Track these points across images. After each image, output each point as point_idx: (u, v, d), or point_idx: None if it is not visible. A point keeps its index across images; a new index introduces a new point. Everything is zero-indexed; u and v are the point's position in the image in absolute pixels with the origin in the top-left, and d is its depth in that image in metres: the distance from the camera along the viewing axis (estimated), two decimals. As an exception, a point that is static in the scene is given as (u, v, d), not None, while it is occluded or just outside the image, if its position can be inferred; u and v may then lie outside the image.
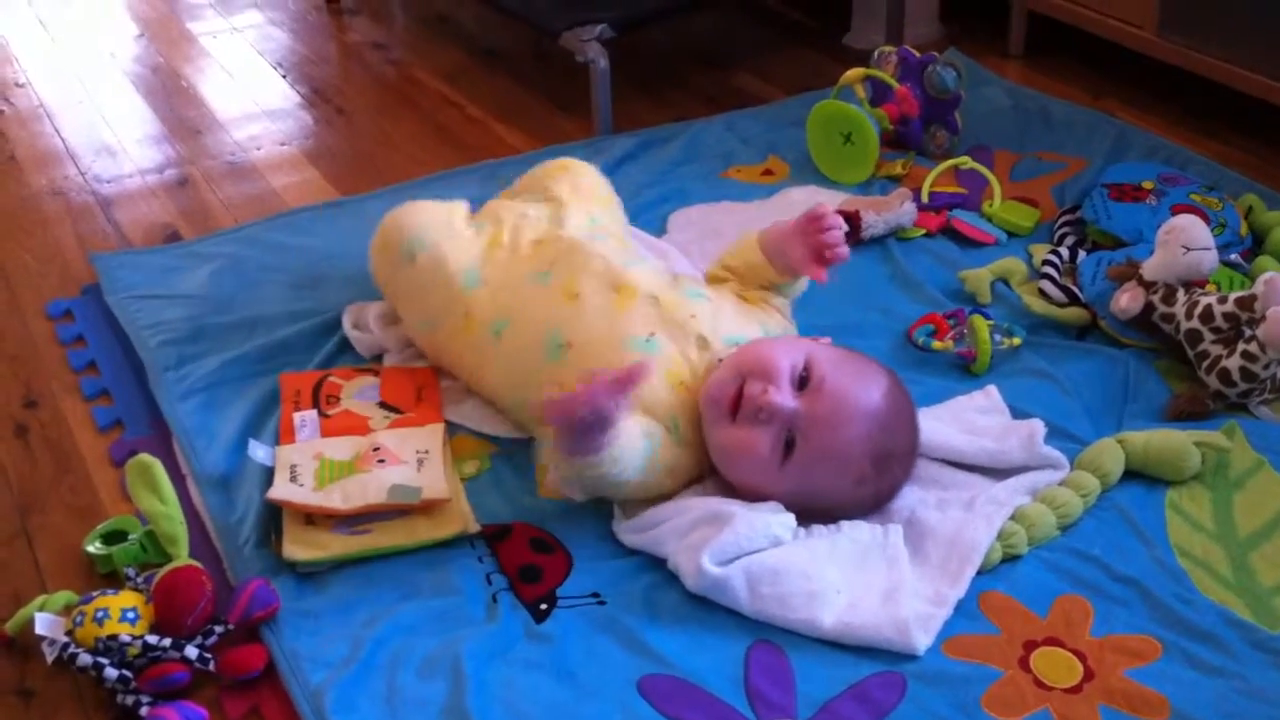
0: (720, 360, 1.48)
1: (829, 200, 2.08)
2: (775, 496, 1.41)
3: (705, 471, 1.49)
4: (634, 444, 1.39)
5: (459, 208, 1.74)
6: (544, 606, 1.35)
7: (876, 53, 2.28)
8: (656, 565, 1.40)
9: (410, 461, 1.49)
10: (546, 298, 1.56)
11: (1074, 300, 1.78)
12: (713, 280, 1.68)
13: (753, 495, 1.42)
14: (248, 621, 1.32)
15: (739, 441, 1.41)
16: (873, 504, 1.44)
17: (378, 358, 1.74)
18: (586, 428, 1.31)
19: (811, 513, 1.41)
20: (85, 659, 1.27)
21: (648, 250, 1.92)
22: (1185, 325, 1.63)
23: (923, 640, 1.28)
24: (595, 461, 1.35)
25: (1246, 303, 1.58)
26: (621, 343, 1.49)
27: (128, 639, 1.28)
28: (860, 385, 1.41)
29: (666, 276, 1.63)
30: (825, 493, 1.41)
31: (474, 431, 1.60)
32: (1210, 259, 1.68)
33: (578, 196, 1.78)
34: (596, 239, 1.67)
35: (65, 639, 1.29)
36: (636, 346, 1.49)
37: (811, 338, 1.52)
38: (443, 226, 1.69)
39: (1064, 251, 1.88)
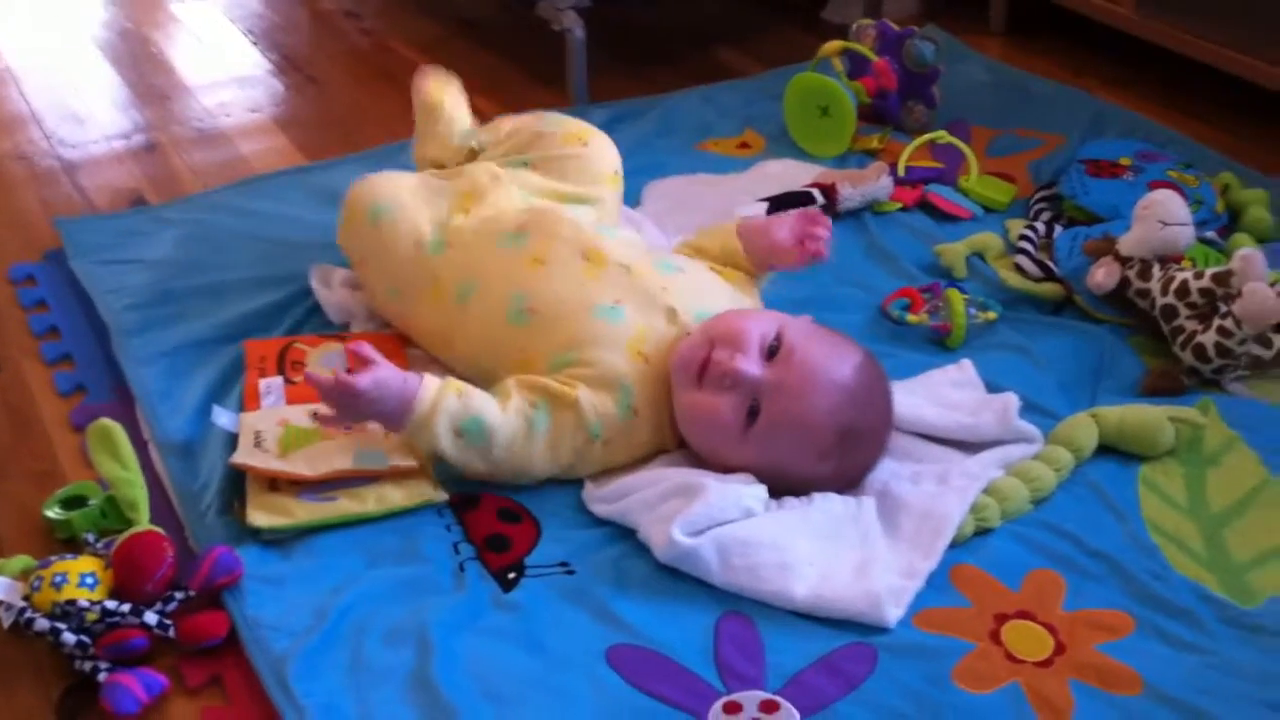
0: (689, 333, 1.47)
1: (805, 173, 2.07)
2: (738, 465, 1.40)
3: (668, 444, 1.48)
4: (477, 411, 1.40)
5: (424, 176, 1.72)
6: (512, 575, 1.34)
7: (855, 26, 2.26)
8: (626, 535, 1.38)
9: (376, 428, 1.46)
10: (513, 262, 1.54)
11: (1049, 275, 1.77)
12: (683, 250, 1.67)
13: (717, 463, 1.41)
14: (210, 588, 1.30)
15: (703, 406, 1.40)
16: (839, 482, 1.42)
17: (345, 325, 1.71)
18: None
19: (780, 485, 1.40)
20: (42, 624, 1.24)
21: (625, 222, 1.91)
22: (1161, 301, 1.62)
23: (894, 613, 1.27)
24: (413, 432, 1.40)
25: (1223, 278, 1.58)
26: (587, 310, 1.48)
27: (86, 604, 1.25)
28: (830, 359, 1.40)
29: (641, 247, 1.62)
30: (788, 465, 1.40)
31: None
32: (1187, 234, 1.68)
33: (580, 179, 1.74)
34: (575, 207, 1.65)
35: (22, 604, 1.27)
36: (602, 315, 1.47)
37: (788, 314, 1.50)
38: (407, 191, 1.67)
39: (1040, 226, 1.88)
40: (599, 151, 1.78)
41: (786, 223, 1.60)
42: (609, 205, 1.76)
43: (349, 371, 1.39)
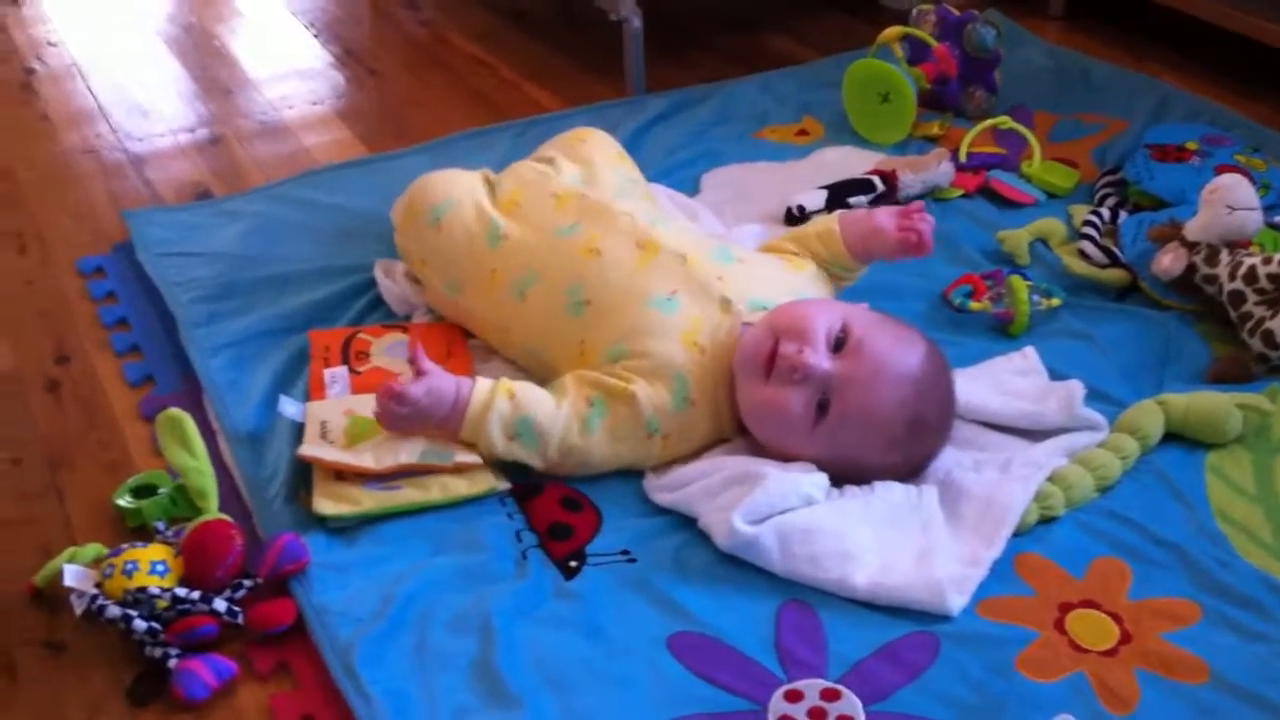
0: (744, 324, 1.46)
1: (864, 160, 2.06)
2: (806, 457, 1.39)
3: (727, 434, 1.48)
4: (529, 411, 1.41)
5: (479, 173, 1.74)
6: (574, 564, 1.34)
7: (915, 11, 2.24)
8: (687, 524, 1.38)
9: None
10: (569, 253, 1.54)
11: (1114, 261, 1.75)
12: (769, 250, 1.66)
13: (782, 456, 1.41)
14: (277, 575, 1.32)
15: (771, 401, 1.39)
16: (905, 470, 1.41)
17: (408, 316, 1.73)
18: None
19: (843, 475, 1.40)
20: (114, 611, 1.26)
21: (677, 209, 1.91)
22: (1228, 286, 1.60)
23: (957, 601, 1.27)
24: (471, 435, 1.41)
25: (1292, 263, 1.55)
26: (642, 301, 1.48)
27: (157, 591, 1.27)
28: (898, 349, 1.39)
29: (696, 236, 1.62)
30: (856, 457, 1.39)
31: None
32: (1255, 219, 1.65)
33: (602, 161, 1.77)
34: (626, 196, 1.66)
35: (94, 591, 1.29)
36: (657, 305, 1.47)
37: (848, 303, 1.50)
38: (464, 190, 1.68)
39: (1105, 212, 1.85)
40: (600, 140, 1.83)
41: (890, 211, 1.60)
42: (637, 181, 1.79)
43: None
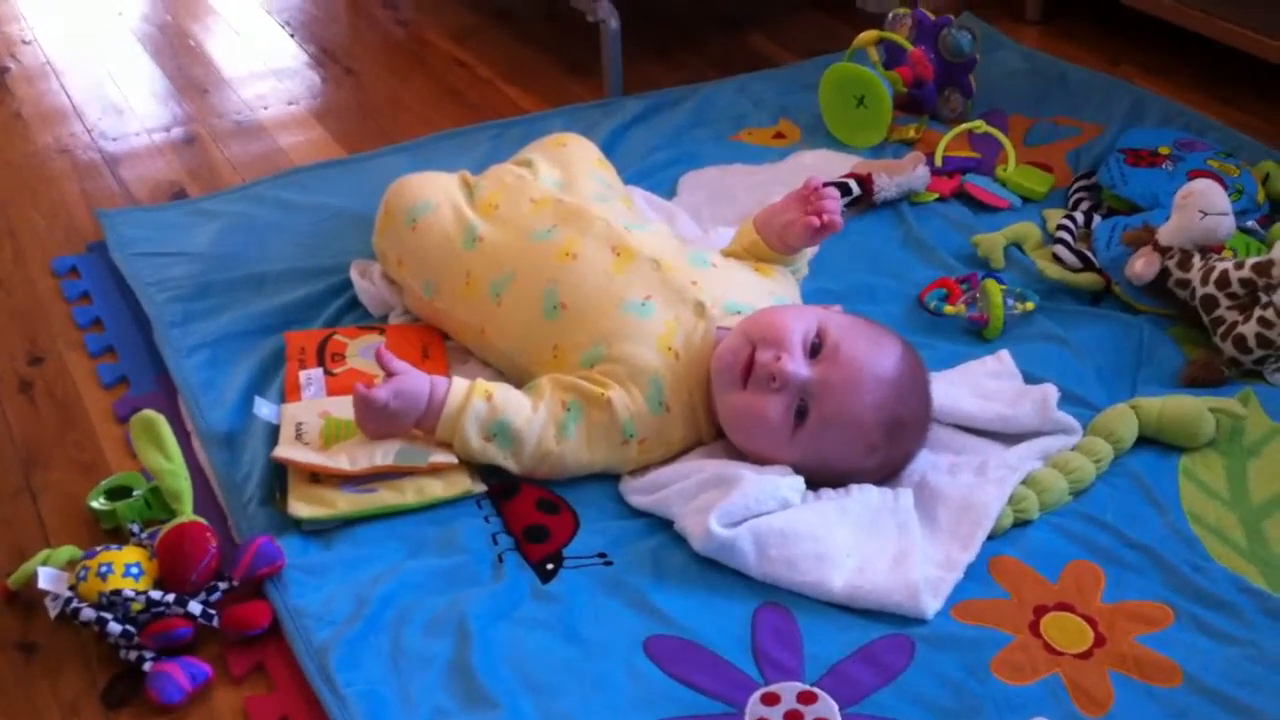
0: (719, 328, 1.47)
1: (841, 163, 2.07)
2: (785, 462, 1.40)
3: (704, 437, 1.48)
4: (505, 414, 1.40)
5: (457, 175, 1.75)
6: (550, 566, 1.34)
7: (891, 15, 2.25)
8: (664, 526, 1.38)
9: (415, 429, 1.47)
10: (545, 256, 1.55)
11: (1088, 265, 1.76)
12: (729, 255, 1.67)
13: (760, 461, 1.41)
14: (252, 578, 1.31)
15: (750, 409, 1.39)
16: (884, 473, 1.42)
17: (384, 317, 1.72)
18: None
19: (821, 478, 1.40)
20: (88, 613, 1.26)
21: (654, 212, 1.91)
22: (1201, 291, 1.61)
23: (932, 604, 1.27)
24: (446, 433, 1.41)
25: (1264, 268, 1.56)
26: (617, 305, 1.48)
27: (131, 594, 1.27)
28: (874, 352, 1.40)
29: (672, 241, 1.62)
30: (836, 461, 1.39)
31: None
32: (1227, 224, 1.66)
33: (581, 165, 1.77)
34: (603, 201, 1.66)
35: (68, 593, 1.28)
36: (632, 310, 1.48)
37: (823, 305, 1.51)
38: (442, 192, 1.69)
39: (1079, 216, 1.87)
40: (579, 146, 1.84)
41: (792, 199, 1.59)
42: (615, 186, 1.79)
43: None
